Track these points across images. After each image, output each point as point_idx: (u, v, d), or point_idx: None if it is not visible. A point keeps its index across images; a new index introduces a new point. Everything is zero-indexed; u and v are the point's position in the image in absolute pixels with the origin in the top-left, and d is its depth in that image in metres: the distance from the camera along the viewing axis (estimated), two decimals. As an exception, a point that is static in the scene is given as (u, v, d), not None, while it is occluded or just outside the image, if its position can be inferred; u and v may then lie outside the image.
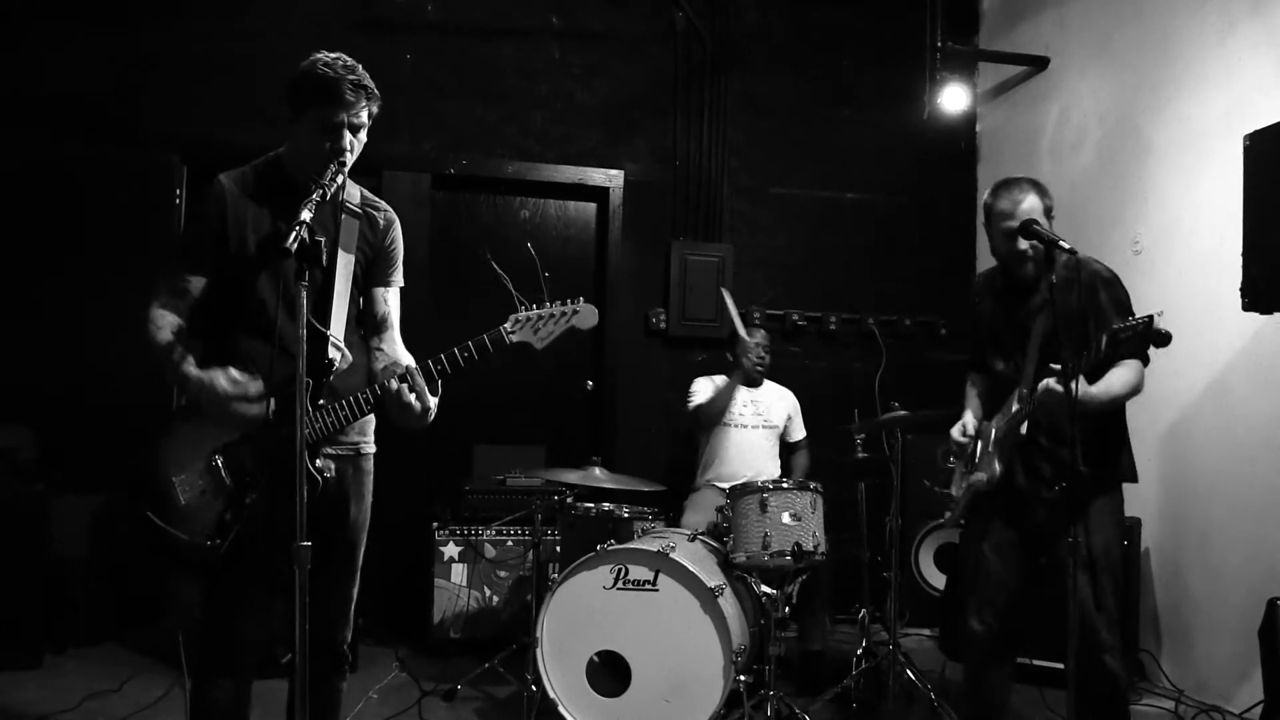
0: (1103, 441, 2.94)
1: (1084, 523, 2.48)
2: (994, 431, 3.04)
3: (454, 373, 2.42)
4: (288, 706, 2.62)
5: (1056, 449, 2.92)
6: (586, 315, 2.49)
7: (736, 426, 4.78)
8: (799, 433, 4.96)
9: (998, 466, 2.99)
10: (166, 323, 2.38)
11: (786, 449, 4.92)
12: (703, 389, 4.82)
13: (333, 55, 2.38)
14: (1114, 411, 2.96)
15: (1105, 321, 2.81)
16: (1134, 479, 3.06)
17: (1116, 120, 4.90)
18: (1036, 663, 4.04)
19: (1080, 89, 5.18)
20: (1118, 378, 2.83)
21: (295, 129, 2.41)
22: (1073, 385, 2.55)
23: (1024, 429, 2.93)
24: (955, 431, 3.19)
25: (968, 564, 3.17)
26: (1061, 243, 2.74)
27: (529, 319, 2.46)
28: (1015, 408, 2.94)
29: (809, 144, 5.86)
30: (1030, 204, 2.95)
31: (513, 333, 2.45)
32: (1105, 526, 2.90)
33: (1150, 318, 2.48)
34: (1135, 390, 2.88)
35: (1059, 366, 2.68)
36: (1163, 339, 2.47)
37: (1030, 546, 3.03)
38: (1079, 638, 2.61)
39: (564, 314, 2.47)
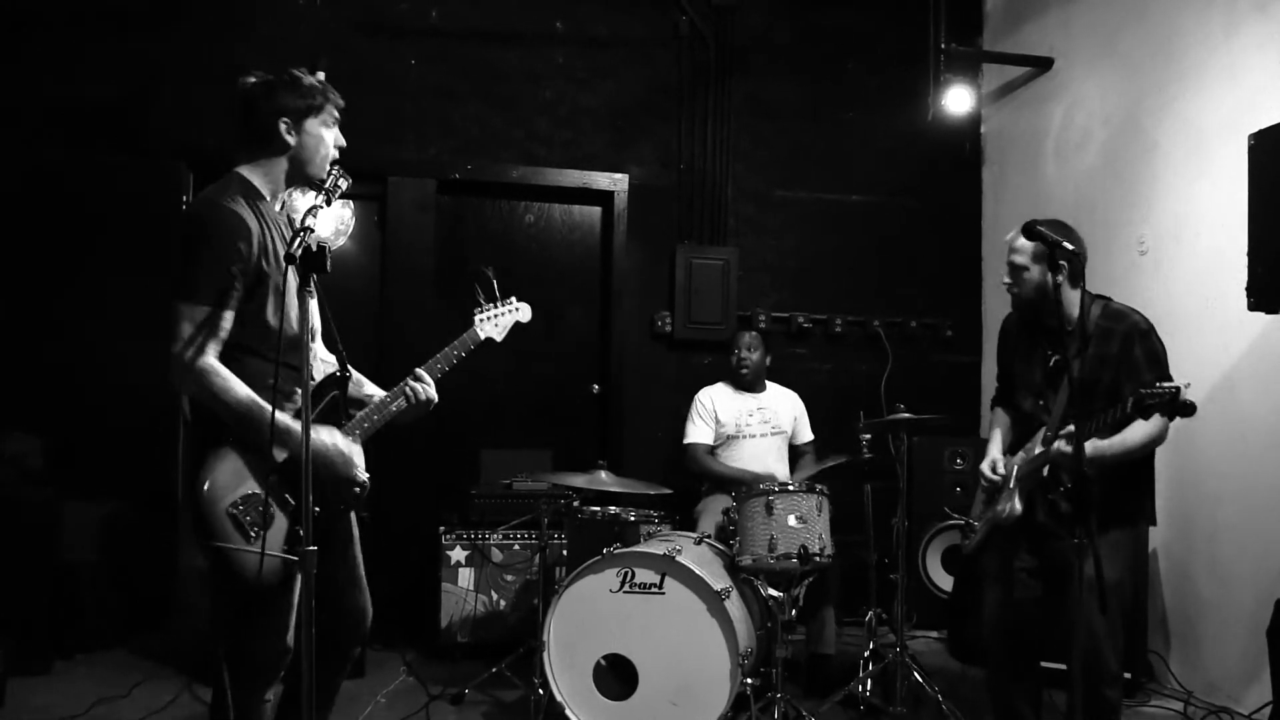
0: (1125, 480, 2.96)
1: (1097, 553, 2.52)
2: (1016, 468, 3.07)
3: (450, 370, 2.75)
4: (279, 707, 2.64)
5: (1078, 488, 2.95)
6: (524, 311, 2.93)
7: (745, 437, 4.77)
8: (806, 435, 4.97)
9: (1018, 503, 3.02)
10: (233, 376, 2.31)
11: (794, 451, 4.93)
12: (702, 416, 4.82)
13: (291, 70, 2.50)
14: (1142, 457, 2.98)
15: (1137, 375, 2.85)
16: (1152, 522, 3.11)
17: (1121, 121, 4.89)
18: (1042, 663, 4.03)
19: (1085, 90, 5.17)
20: (1136, 431, 2.86)
21: (288, 141, 2.45)
22: (1084, 446, 2.60)
23: (1045, 471, 2.98)
24: (985, 468, 3.19)
25: (986, 588, 3.22)
26: (1065, 244, 2.75)
27: (489, 316, 2.87)
28: (1039, 449, 2.98)
29: (813, 147, 5.87)
30: (1021, 242, 3.01)
31: (480, 329, 2.84)
32: (1118, 558, 2.91)
33: (1178, 389, 2.51)
34: (1155, 442, 2.92)
35: (1073, 428, 2.73)
36: (1187, 410, 2.50)
37: (1048, 575, 3.05)
38: (1084, 664, 2.62)
39: (510, 310, 2.91)
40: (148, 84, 5.04)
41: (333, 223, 5.32)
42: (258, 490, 2.35)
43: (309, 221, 2.16)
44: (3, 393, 4.66)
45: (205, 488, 2.31)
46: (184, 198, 4.96)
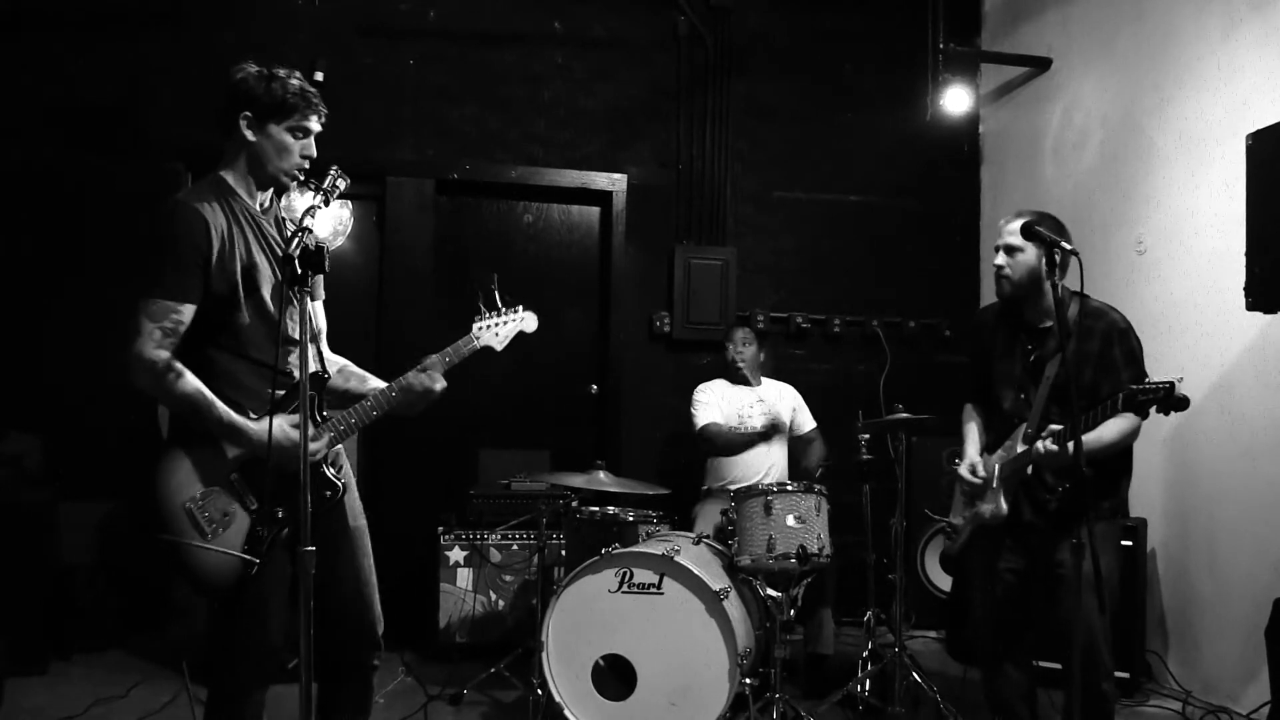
0: (1108, 473, 2.97)
1: (1095, 554, 2.53)
2: (998, 467, 3.06)
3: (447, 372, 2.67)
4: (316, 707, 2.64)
5: (1061, 483, 2.96)
6: (529, 321, 2.84)
7: (746, 430, 4.73)
8: (808, 424, 4.90)
9: (1004, 503, 3.02)
10: (184, 368, 2.30)
11: (798, 442, 4.87)
12: (708, 400, 4.76)
13: (280, 69, 2.45)
14: (1123, 449, 2.99)
15: (1114, 374, 2.86)
16: (1126, 511, 3.16)
17: (1119, 121, 4.90)
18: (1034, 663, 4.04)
19: (1083, 90, 5.17)
20: (1111, 428, 2.87)
21: (246, 136, 2.42)
22: (1071, 445, 2.58)
23: (1029, 469, 2.97)
24: (965, 471, 3.18)
25: (974, 589, 3.24)
26: (1063, 244, 2.75)
27: (489, 325, 2.77)
28: (1021, 448, 2.98)
29: (812, 147, 5.87)
30: (1016, 224, 2.99)
31: (478, 337, 2.75)
32: (1106, 552, 2.91)
33: (1171, 384, 2.53)
34: (1128, 439, 2.93)
35: (1058, 427, 2.78)
36: (1182, 405, 2.53)
37: (1035, 574, 3.05)
38: (1081, 663, 2.63)
39: (514, 319, 2.81)
40: (146, 85, 5.04)
41: (331, 223, 5.31)
42: (217, 488, 2.35)
43: (307, 221, 2.16)
44: (1, 393, 4.65)
45: (163, 482, 2.32)
46: (182, 198, 4.95)
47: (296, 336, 2.45)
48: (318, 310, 2.70)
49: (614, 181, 5.58)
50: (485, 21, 5.46)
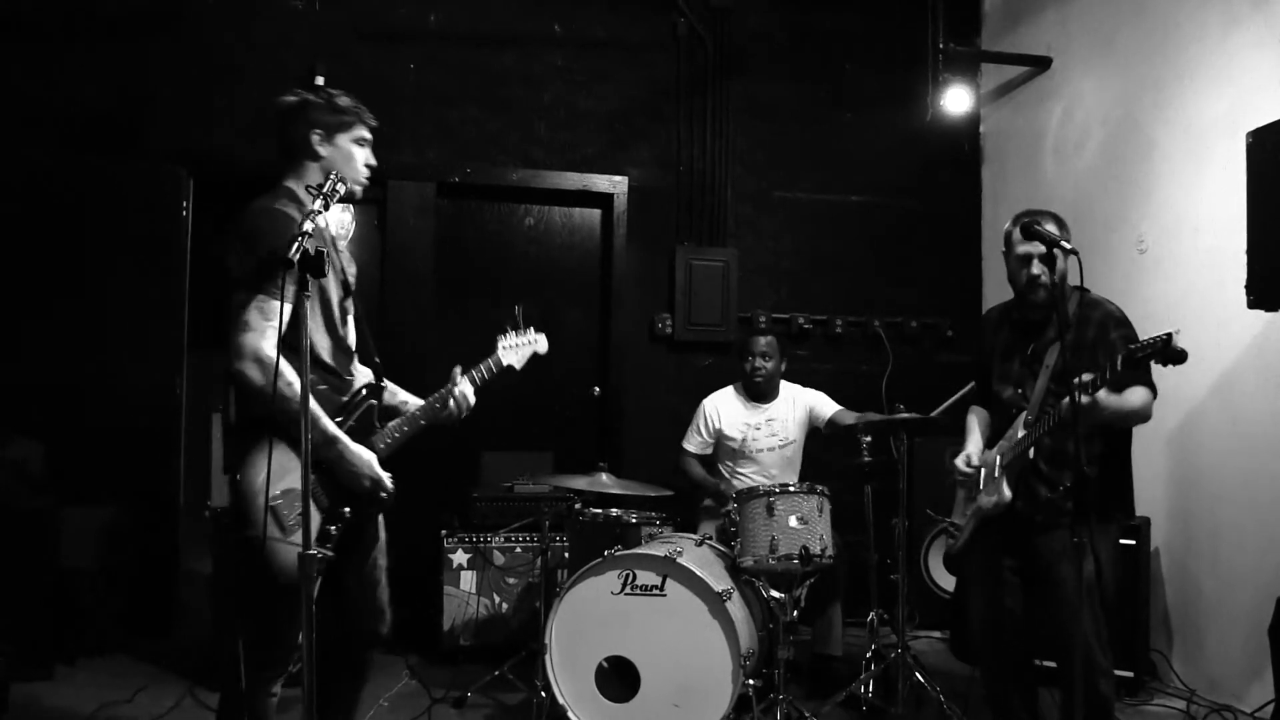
0: (1106, 469, 2.98)
1: (1097, 551, 2.52)
2: (999, 457, 3.07)
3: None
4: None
5: (1056, 474, 2.97)
6: (542, 343, 3.08)
7: (753, 451, 4.62)
8: (829, 408, 4.69)
9: (1007, 490, 3.01)
10: (295, 377, 2.38)
11: (833, 428, 4.66)
12: (701, 426, 4.65)
13: (326, 89, 2.72)
14: (1121, 443, 3.01)
15: (1114, 355, 2.82)
16: (1132, 513, 3.20)
17: (1119, 119, 4.89)
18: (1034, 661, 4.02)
19: (1083, 89, 5.17)
20: (1135, 396, 2.88)
21: (319, 151, 2.63)
22: (1083, 399, 2.60)
23: (1031, 453, 2.98)
24: (960, 462, 3.19)
25: (971, 589, 3.26)
26: (1063, 243, 2.75)
27: (511, 345, 3.01)
28: (1022, 433, 2.98)
29: (812, 148, 5.87)
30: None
31: (504, 355, 3.00)
32: (1103, 553, 2.91)
33: (1169, 335, 2.52)
34: (1144, 413, 2.93)
35: (1089, 376, 2.75)
36: (1180, 357, 2.52)
37: (1031, 573, 3.05)
38: (1078, 662, 2.63)
39: (530, 341, 3.05)
40: (147, 87, 5.04)
41: (333, 226, 5.32)
42: (296, 486, 2.39)
43: (307, 226, 2.17)
44: (3, 398, 4.66)
45: (247, 480, 2.41)
46: (184, 202, 4.94)
47: (353, 346, 2.70)
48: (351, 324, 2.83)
49: (615, 183, 5.58)
50: (485, 24, 5.46)
